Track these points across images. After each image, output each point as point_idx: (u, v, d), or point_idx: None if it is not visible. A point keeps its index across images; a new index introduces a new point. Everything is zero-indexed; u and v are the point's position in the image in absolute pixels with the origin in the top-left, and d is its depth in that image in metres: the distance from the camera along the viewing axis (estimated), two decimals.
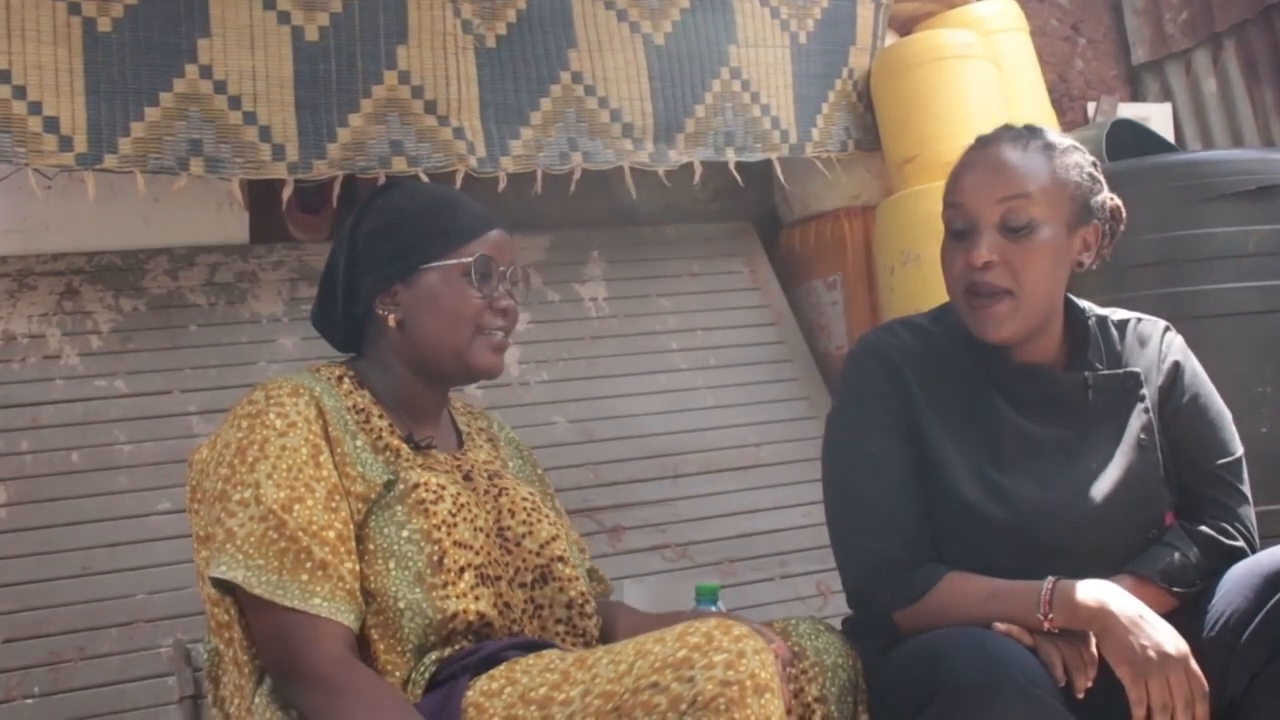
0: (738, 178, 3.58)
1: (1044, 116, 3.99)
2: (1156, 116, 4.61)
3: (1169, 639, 1.86)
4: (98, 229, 3.21)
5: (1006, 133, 2.09)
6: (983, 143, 2.10)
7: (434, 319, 2.01)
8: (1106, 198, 2.13)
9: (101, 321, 3.14)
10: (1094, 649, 1.91)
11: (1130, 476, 2.05)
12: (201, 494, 1.88)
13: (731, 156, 3.55)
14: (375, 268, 2.03)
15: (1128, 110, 4.52)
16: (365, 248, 2.05)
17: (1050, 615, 1.91)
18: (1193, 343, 3.23)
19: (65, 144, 2.86)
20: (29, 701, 2.67)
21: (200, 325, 3.20)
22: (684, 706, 1.61)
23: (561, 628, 1.99)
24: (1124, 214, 2.16)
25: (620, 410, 3.40)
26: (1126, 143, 3.66)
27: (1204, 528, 2.07)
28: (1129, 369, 2.12)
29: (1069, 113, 4.65)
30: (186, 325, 3.20)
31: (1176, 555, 2.03)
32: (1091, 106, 4.66)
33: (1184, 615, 1.99)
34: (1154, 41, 4.80)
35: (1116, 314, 2.21)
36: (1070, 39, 4.78)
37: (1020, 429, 2.06)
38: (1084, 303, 2.19)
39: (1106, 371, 2.10)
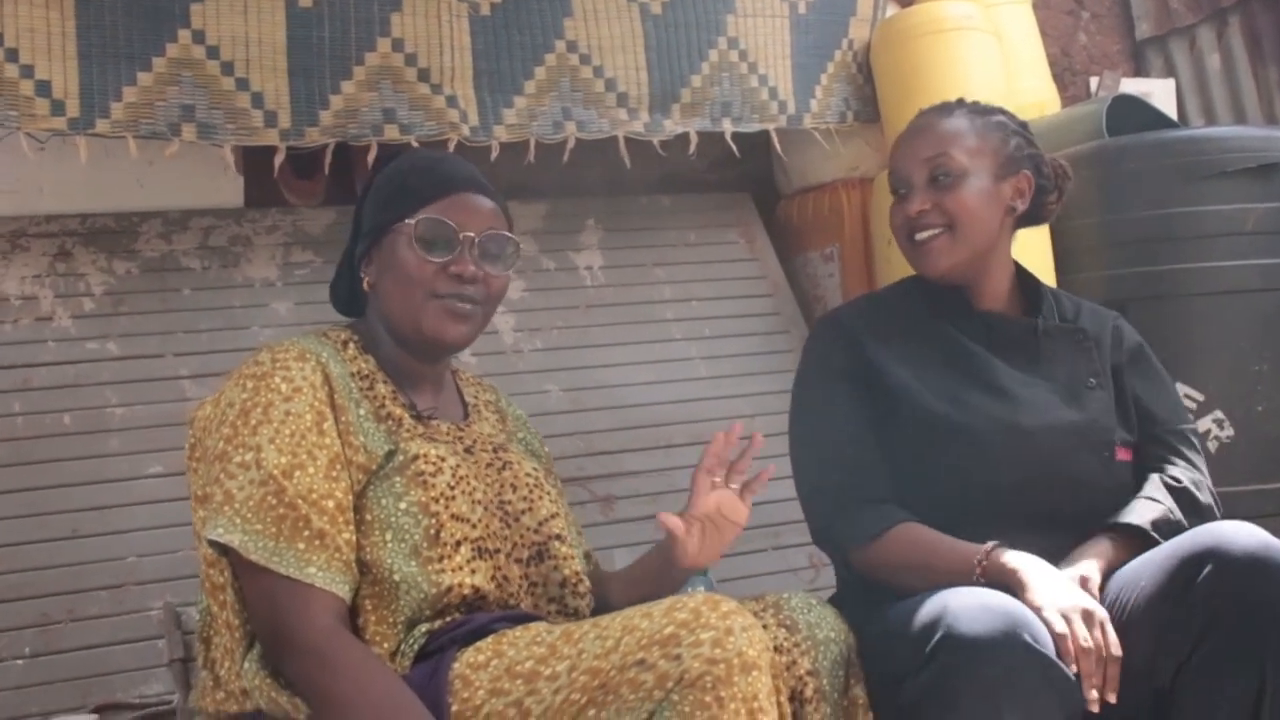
0: (734, 148, 3.56)
1: (1045, 90, 3.97)
2: (1159, 92, 4.58)
3: (1090, 601, 1.94)
4: (92, 191, 3.22)
5: (941, 104, 2.36)
6: (915, 117, 2.36)
7: (392, 282, 1.98)
8: (1041, 154, 2.35)
9: (94, 284, 3.14)
10: (1094, 587, 2.00)
11: (1080, 404, 2.22)
12: (202, 451, 1.87)
13: (728, 127, 3.53)
14: (359, 231, 2.04)
15: (1130, 85, 4.50)
16: (359, 211, 2.05)
17: (980, 576, 2.01)
18: (1187, 320, 3.28)
19: (57, 108, 2.86)
20: (19, 663, 2.69)
21: (193, 289, 3.21)
22: (670, 684, 1.61)
23: (553, 606, 1.98)
24: (1070, 174, 2.38)
25: (613, 380, 3.40)
26: (1128, 118, 3.64)
27: (1179, 481, 2.20)
28: (1078, 325, 2.32)
29: (1071, 87, 4.62)
30: (180, 288, 3.20)
31: (1162, 509, 2.14)
32: (1094, 81, 4.63)
33: (1115, 595, 2.03)
34: (1158, 16, 4.77)
35: (1070, 296, 2.44)
36: (1074, 13, 4.75)
37: (978, 356, 2.24)
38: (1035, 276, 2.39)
39: (1056, 323, 2.31)
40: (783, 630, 1.92)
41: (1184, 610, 1.92)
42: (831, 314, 2.43)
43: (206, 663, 1.90)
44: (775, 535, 3.25)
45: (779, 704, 1.72)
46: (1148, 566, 2.01)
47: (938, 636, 1.83)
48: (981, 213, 2.24)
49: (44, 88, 2.85)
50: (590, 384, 3.38)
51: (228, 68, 3.01)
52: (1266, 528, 1.99)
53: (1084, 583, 2.03)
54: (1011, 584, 1.96)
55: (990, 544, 2.03)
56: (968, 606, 1.84)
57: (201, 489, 1.85)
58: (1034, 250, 3.42)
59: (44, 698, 2.64)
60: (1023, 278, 2.36)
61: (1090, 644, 1.88)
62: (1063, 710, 1.84)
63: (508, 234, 2.03)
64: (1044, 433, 2.16)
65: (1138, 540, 2.10)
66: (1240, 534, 1.94)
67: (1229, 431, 3.23)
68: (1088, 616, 1.91)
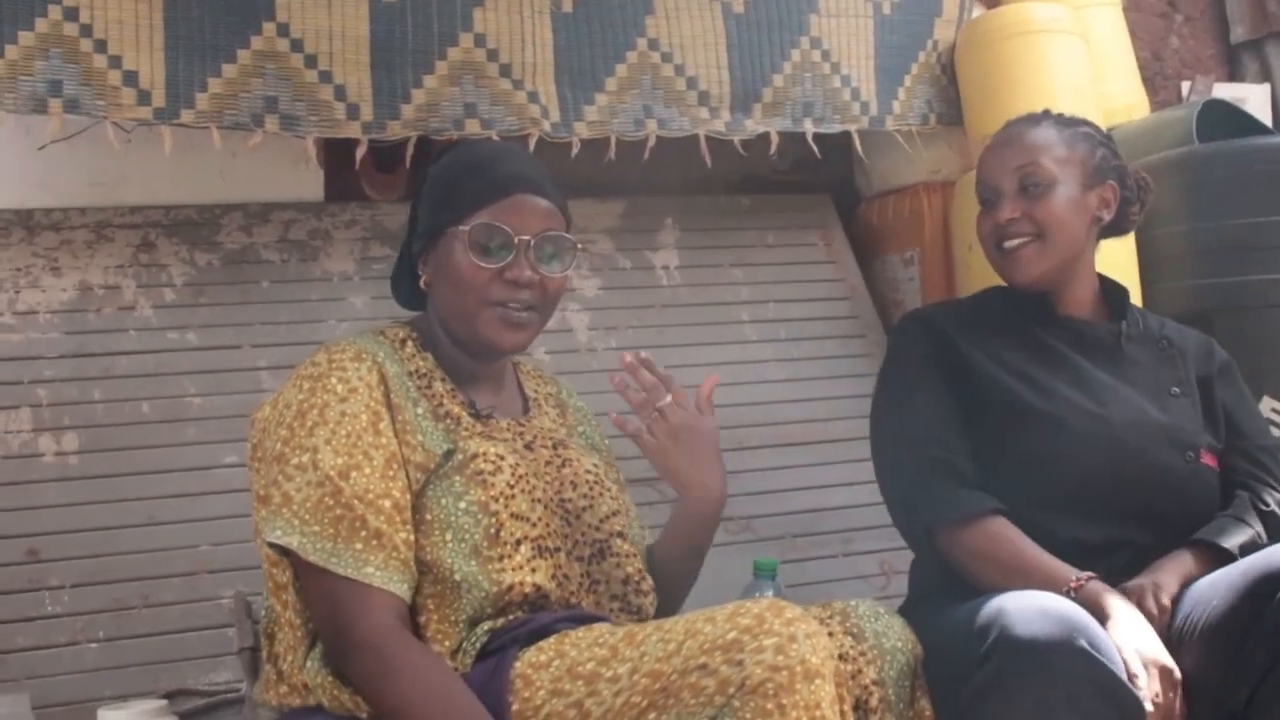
0: (815, 149, 3.52)
1: (1134, 94, 3.91)
2: (1254, 98, 4.48)
3: (1170, 660, 1.92)
4: (175, 183, 3.25)
5: (1027, 116, 2.39)
6: (1003, 127, 2.39)
7: (447, 286, 1.97)
8: (1125, 166, 2.39)
9: (176, 275, 3.18)
10: (1167, 599, 2.01)
11: (1164, 408, 2.23)
12: (262, 452, 1.88)
13: (809, 127, 3.50)
14: (417, 227, 2.04)
15: (1224, 90, 4.40)
16: (416, 208, 2.05)
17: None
18: (1274, 331, 3.19)
19: (144, 98, 2.89)
20: (93, 646, 2.72)
21: (272, 281, 3.24)
22: (731, 690, 1.60)
23: (616, 604, 1.97)
24: (1151, 186, 2.42)
25: (687, 380, 3.26)
26: (1219, 124, 3.57)
27: (1267, 505, 2.21)
28: (1164, 334, 2.36)
29: (1162, 92, 4.53)
30: (259, 281, 3.23)
31: (1251, 533, 2.15)
32: (1186, 86, 4.54)
33: (1189, 611, 2.01)
34: (1254, 19, 4.65)
35: (1156, 315, 2.46)
36: (1167, 15, 4.66)
37: (1064, 355, 2.26)
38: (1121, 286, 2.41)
39: (1141, 329, 2.34)
40: (849, 638, 1.89)
41: (1257, 632, 1.88)
42: (915, 311, 2.47)
43: (270, 657, 1.92)
44: (847, 541, 3.22)
45: (842, 713, 1.70)
46: (1221, 584, 1.98)
47: (993, 638, 1.81)
48: (1070, 221, 2.27)
49: (131, 78, 2.88)
50: None
51: (311, 60, 3.02)
52: None
53: (1157, 590, 2.02)
54: (1100, 620, 1.92)
55: (1085, 574, 2.01)
56: (1025, 609, 1.82)
57: (262, 489, 1.86)
58: (1119, 258, 3.36)
59: (115, 682, 2.67)
60: (1107, 287, 2.38)
61: (1161, 703, 1.86)
62: (1121, 714, 1.81)
63: (564, 234, 2.00)
64: (1129, 428, 2.17)
65: (1221, 561, 2.08)
66: None
67: None
68: (1166, 675, 1.89)
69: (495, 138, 3.11)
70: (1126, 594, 2.02)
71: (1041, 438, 2.16)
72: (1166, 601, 2.01)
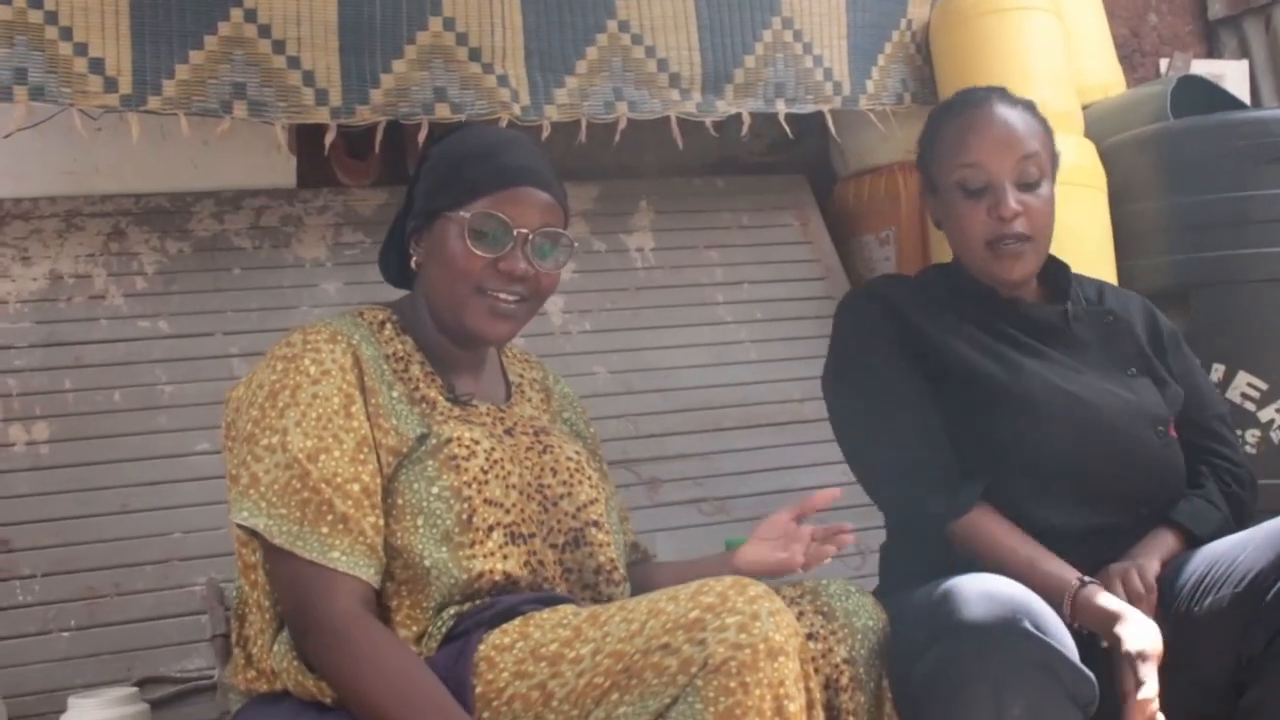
0: (786, 129, 3.52)
1: (1109, 71, 3.90)
2: (1232, 74, 4.47)
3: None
4: (146, 171, 3.24)
5: (994, 93, 2.27)
6: (977, 102, 2.25)
7: (439, 270, 1.96)
8: None
9: (147, 263, 3.17)
10: (1151, 577, 2.01)
11: (1127, 385, 2.19)
12: (234, 432, 1.87)
13: (782, 108, 3.49)
14: (414, 208, 2.02)
15: (1201, 67, 4.39)
16: (414, 187, 2.03)
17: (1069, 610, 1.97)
18: (1250, 307, 3.20)
19: (110, 85, 2.87)
20: (64, 635, 2.72)
21: (244, 268, 3.22)
22: (694, 669, 1.59)
23: (588, 593, 1.96)
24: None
25: (662, 362, 3.38)
26: (1195, 100, 3.56)
27: (1230, 486, 2.22)
28: (1107, 308, 2.30)
29: (1140, 69, 4.53)
30: (230, 268, 3.22)
31: (1220, 517, 2.18)
32: (1164, 63, 4.52)
33: (1208, 570, 2.01)
34: None
35: (1090, 278, 2.42)
36: None
37: (1018, 337, 2.20)
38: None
39: (1086, 307, 2.29)
40: (819, 617, 1.89)
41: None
42: (861, 287, 2.37)
43: (240, 640, 1.92)
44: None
45: (808, 690, 1.68)
46: (1251, 541, 1.99)
47: (939, 624, 1.81)
48: (1053, 221, 2.23)
49: (97, 65, 2.86)
50: (639, 366, 3.36)
51: (279, 46, 3.01)
52: None
53: (1141, 570, 2.02)
54: (1106, 623, 1.93)
55: (1081, 579, 1.99)
56: (970, 594, 1.82)
57: (233, 469, 1.85)
58: (1094, 235, 3.36)
59: (88, 670, 2.67)
60: (1047, 266, 2.29)
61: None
62: (1071, 699, 1.81)
63: (561, 230, 1.99)
64: (1101, 406, 2.13)
65: (1198, 543, 2.11)
66: None
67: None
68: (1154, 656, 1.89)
69: (465, 121, 3.10)
70: (1110, 577, 2.02)
71: (1012, 418, 2.11)
72: (1151, 579, 2.02)
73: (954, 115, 2.27)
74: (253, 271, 3.23)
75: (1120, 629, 1.89)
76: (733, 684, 1.58)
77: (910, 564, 2.16)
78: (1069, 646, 1.83)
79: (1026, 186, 2.18)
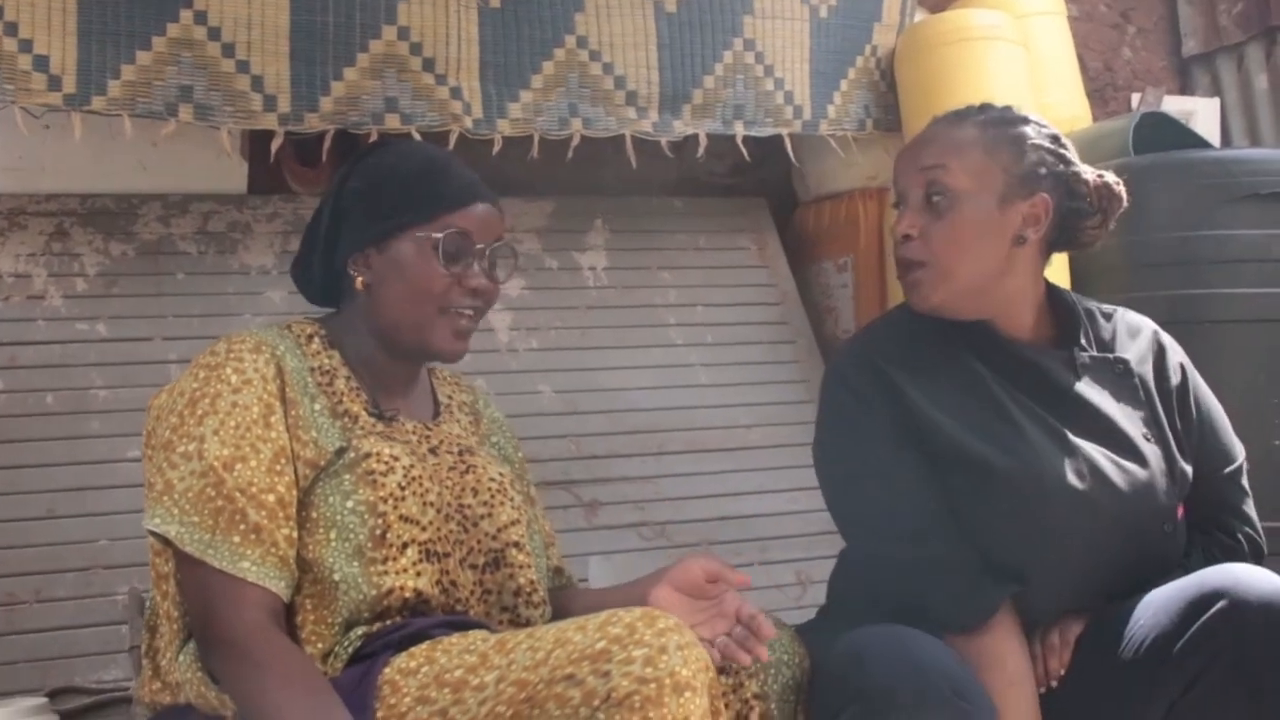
0: (744, 152, 3.49)
1: (1076, 105, 3.88)
2: (1203, 111, 4.47)
3: None
4: (94, 172, 3.21)
5: (952, 111, 2.08)
6: (930, 123, 2.09)
7: (399, 289, 1.93)
8: (1075, 172, 2.06)
9: (89, 264, 3.13)
10: (1070, 635, 1.94)
11: (1138, 456, 1.99)
12: (154, 440, 1.86)
13: (740, 130, 3.45)
14: (355, 226, 1.97)
15: (1174, 104, 4.37)
16: (349, 204, 1.98)
17: None
18: (1209, 348, 3.15)
19: (54, 83, 2.83)
20: None
21: (188, 273, 3.19)
22: (597, 702, 1.55)
23: (507, 615, 1.94)
24: (1119, 196, 2.10)
25: (609, 383, 3.34)
26: (1160, 137, 3.54)
27: (1222, 549, 2.07)
28: (1118, 355, 2.07)
29: (1113, 103, 4.51)
30: (174, 273, 3.18)
31: None
32: (1136, 98, 4.51)
33: (1107, 632, 1.94)
34: (1206, 33, 4.63)
35: (1103, 306, 2.18)
36: (1119, 26, 4.64)
37: (1017, 401, 1.99)
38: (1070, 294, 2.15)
39: (1095, 354, 2.06)
40: None
41: (1185, 648, 1.83)
42: (856, 348, 2.12)
43: (149, 652, 1.89)
44: (763, 550, 3.18)
45: None
46: (1152, 604, 1.92)
47: (852, 685, 1.75)
48: (972, 246, 1.98)
49: (42, 62, 2.82)
50: (585, 386, 3.33)
51: (229, 49, 2.97)
52: None
53: (1063, 628, 1.97)
54: None
55: None
56: (886, 655, 1.76)
57: (151, 476, 1.83)
58: (1051, 270, 3.32)
59: (2, 678, 2.63)
60: (1055, 302, 2.10)
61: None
62: None
63: (509, 243, 2.02)
64: (1108, 505, 1.94)
65: None
66: (1256, 577, 1.84)
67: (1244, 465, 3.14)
68: None
69: (415, 133, 3.06)
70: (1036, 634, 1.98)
71: (1007, 514, 1.93)
72: (1070, 637, 1.97)
73: None
74: (197, 277, 3.19)
75: None
76: (635, 719, 1.54)
77: (855, 603, 2.06)
78: (987, 712, 1.78)
79: (933, 203, 1.99)
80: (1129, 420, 2.02)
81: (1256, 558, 2.10)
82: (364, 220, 1.96)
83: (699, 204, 3.76)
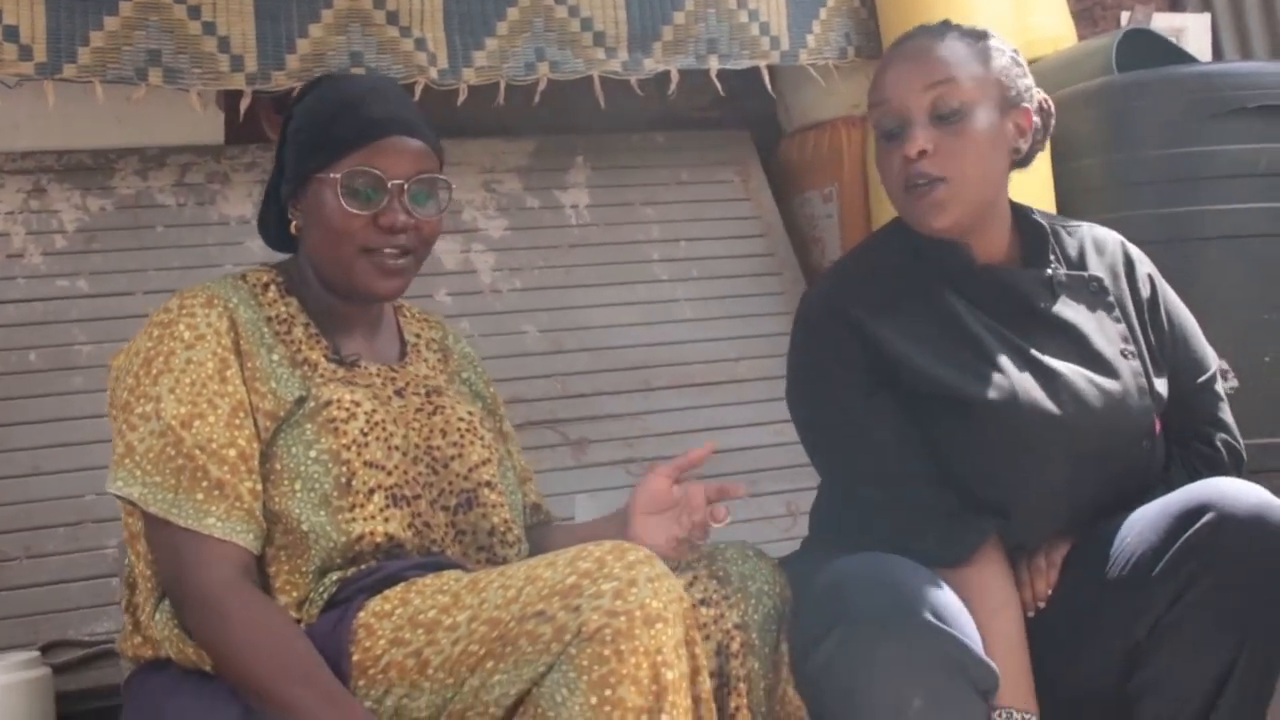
0: (718, 86, 3.45)
1: (1060, 26, 3.82)
2: (1193, 28, 4.38)
3: None
4: (69, 128, 3.19)
5: (929, 27, 2.06)
6: (899, 41, 2.08)
7: (318, 233, 1.92)
8: (1035, 87, 2.07)
9: (67, 221, 3.13)
10: (1057, 557, 1.95)
11: (1115, 372, 1.99)
12: (114, 400, 1.86)
13: (714, 64, 3.42)
14: (287, 170, 1.97)
15: (1163, 20, 4.30)
16: (285, 148, 1.99)
17: None
18: (1197, 265, 3.15)
19: (25, 53, 2.85)
20: None
21: (167, 226, 3.19)
22: (568, 637, 1.57)
23: (483, 555, 1.94)
24: (1053, 109, 2.10)
25: (594, 321, 3.33)
26: (1145, 55, 3.50)
27: (1202, 460, 2.07)
28: (1091, 273, 2.07)
29: (1102, 22, 4.45)
30: (154, 226, 3.18)
31: None
32: (1125, 16, 4.45)
33: (1093, 553, 1.95)
34: None
35: (1067, 221, 2.18)
36: None
37: (991, 329, 2.00)
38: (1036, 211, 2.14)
39: (1070, 272, 2.06)
40: (714, 582, 1.86)
41: (1171, 562, 1.84)
42: (822, 293, 2.10)
43: (129, 607, 1.91)
44: (752, 482, 3.17)
45: (694, 657, 1.65)
46: (1138, 522, 1.93)
47: (840, 609, 1.76)
48: (986, 160, 1.97)
49: (11, 33, 2.84)
50: (569, 325, 3.32)
51: (194, 12, 2.98)
52: (1271, 483, 1.91)
53: (1049, 549, 1.99)
54: None
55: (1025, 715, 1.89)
56: (868, 581, 1.78)
57: (113, 439, 1.85)
58: (1033, 190, 3.29)
59: None
60: (1021, 221, 2.09)
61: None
62: (974, 689, 1.78)
63: (438, 174, 1.95)
64: (1088, 427, 1.94)
65: None
66: (1242, 490, 1.86)
67: (1233, 383, 3.11)
68: None
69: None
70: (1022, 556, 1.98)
71: (986, 444, 1.94)
72: (1057, 558, 1.98)
73: (886, 54, 2.11)
74: (176, 229, 3.19)
75: None
76: (607, 652, 1.56)
77: (836, 535, 2.07)
78: (972, 636, 1.79)
79: (942, 120, 1.94)
80: (1105, 338, 2.03)
81: (1236, 464, 2.11)
82: (293, 164, 1.96)
83: (681, 138, 3.73)
